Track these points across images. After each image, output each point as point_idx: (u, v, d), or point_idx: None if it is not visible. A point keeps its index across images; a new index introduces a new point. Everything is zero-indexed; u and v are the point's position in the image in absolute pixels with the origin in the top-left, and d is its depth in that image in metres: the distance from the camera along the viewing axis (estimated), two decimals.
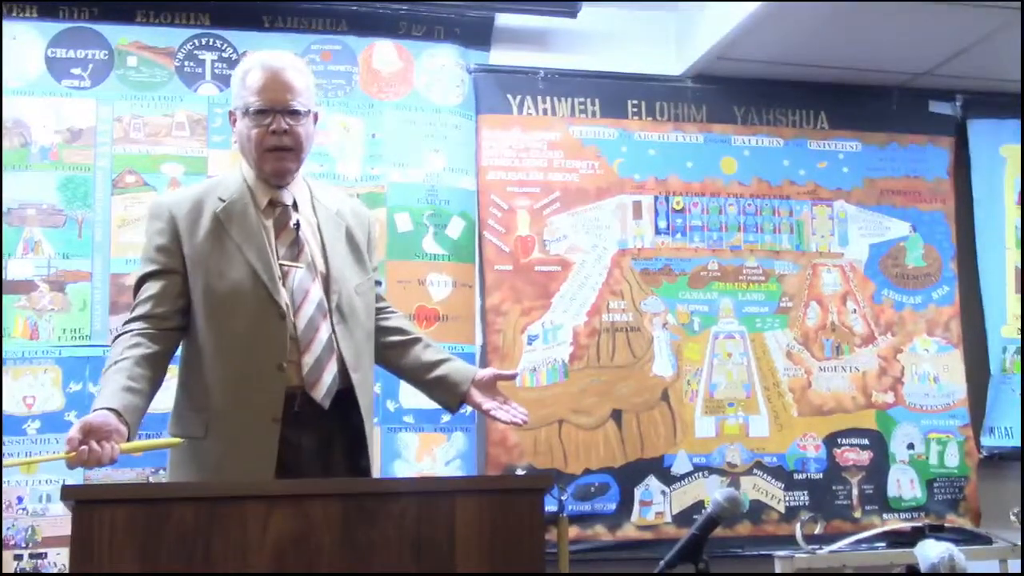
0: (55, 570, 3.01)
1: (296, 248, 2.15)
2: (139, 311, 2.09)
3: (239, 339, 2.07)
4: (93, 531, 1.50)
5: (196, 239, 2.11)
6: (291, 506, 1.56)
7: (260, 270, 2.09)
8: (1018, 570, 3.21)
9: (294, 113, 2.13)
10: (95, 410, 1.88)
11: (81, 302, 3.17)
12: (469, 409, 3.29)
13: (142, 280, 2.13)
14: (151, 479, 3.00)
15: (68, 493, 1.54)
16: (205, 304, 2.09)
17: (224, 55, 3.37)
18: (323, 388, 2.10)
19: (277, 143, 2.12)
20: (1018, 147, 3.91)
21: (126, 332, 2.06)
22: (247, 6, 3.40)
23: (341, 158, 3.41)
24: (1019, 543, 3.23)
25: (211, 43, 3.38)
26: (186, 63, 3.35)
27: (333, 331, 2.13)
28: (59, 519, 3.01)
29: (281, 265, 2.13)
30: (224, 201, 2.14)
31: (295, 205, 2.20)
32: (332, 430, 2.14)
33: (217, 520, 1.54)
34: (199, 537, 1.53)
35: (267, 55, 2.22)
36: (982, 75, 3.77)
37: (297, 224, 2.17)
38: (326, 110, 3.39)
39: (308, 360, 2.09)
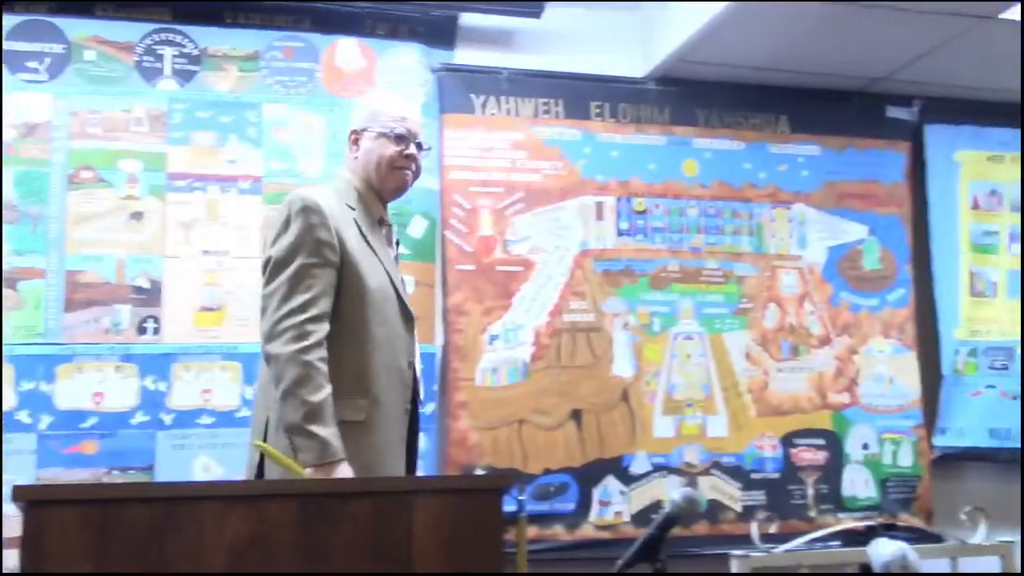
0: (6, 571, 2.96)
1: (396, 264, 2.44)
2: (319, 308, 2.17)
3: (391, 334, 2.28)
4: (44, 532, 1.48)
5: (349, 239, 2.27)
6: (247, 507, 1.55)
7: (394, 278, 2.35)
8: (969, 569, 3.28)
9: (419, 146, 2.45)
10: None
11: (35, 300, 3.12)
12: (429, 408, 3.34)
13: (306, 269, 2.19)
14: (104, 479, 2.96)
15: (19, 493, 1.52)
16: (366, 298, 2.25)
17: (184, 50, 3.34)
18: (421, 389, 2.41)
19: (406, 165, 2.41)
20: (972, 152, 3.98)
21: (321, 336, 2.15)
22: (208, 2, 3.36)
23: (303, 156, 3.38)
24: (969, 541, 3.29)
25: (171, 38, 3.34)
26: (145, 58, 3.31)
27: (413, 338, 2.39)
28: (10, 520, 2.95)
29: None
30: (353, 209, 2.34)
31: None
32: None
33: (172, 521, 1.52)
34: (153, 538, 1.51)
35: (398, 94, 2.64)
36: (939, 81, 3.83)
37: (398, 243, 2.52)
38: (287, 107, 3.37)
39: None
